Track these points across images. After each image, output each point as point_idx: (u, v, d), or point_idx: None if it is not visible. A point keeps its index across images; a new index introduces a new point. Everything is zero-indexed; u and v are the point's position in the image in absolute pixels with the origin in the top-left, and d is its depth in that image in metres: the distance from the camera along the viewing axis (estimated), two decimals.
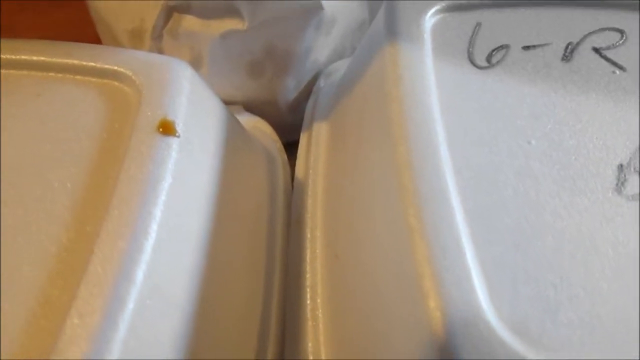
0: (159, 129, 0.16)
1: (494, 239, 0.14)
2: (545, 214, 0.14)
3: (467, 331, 0.11)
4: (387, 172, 0.16)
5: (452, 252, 0.13)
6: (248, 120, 0.23)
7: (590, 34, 0.19)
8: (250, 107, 0.24)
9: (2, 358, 0.12)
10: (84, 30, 0.40)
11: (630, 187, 0.15)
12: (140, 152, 0.15)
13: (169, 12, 0.22)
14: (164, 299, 0.14)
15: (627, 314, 0.13)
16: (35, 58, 0.18)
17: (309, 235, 0.20)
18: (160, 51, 0.23)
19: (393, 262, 0.14)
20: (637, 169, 0.15)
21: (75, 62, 0.18)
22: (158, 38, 0.23)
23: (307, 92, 0.25)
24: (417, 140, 0.15)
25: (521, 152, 0.16)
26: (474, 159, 0.15)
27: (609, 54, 0.18)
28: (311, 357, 0.16)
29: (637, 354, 0.12)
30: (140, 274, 0.13)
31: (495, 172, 0.15)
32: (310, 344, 0.17)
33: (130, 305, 0.13)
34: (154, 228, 0.14)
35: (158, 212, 0.14)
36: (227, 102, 0.22)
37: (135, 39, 0.23)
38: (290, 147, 0.25)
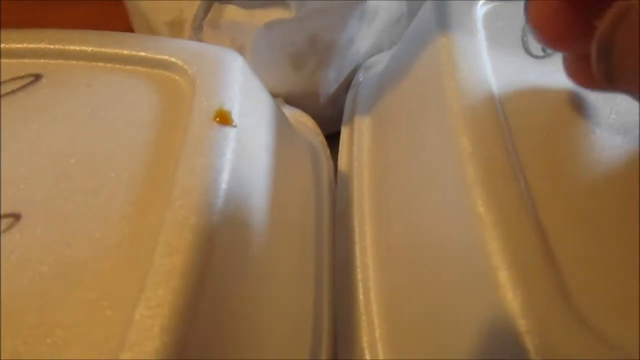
0: (215, 119, 0.15)
1: (565, 225, 0.13)
2: (615, 204, 0.14)
3: (553, 324, 0.11)
4: (448, 163, 0.15)
5: (527, 242, 0.13)
6: (291, 113, 0.23)
7: None
8: (291, 100, 0.24)
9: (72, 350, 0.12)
10: (103, 27, 0.40)
11: None
12: (199, 141, 0.15)
13: (209, 2, 0.22)
14: (226, 291, 0.14)
15: None
16: (83, 48, 0.18)
17: (357, 229, 0.19)
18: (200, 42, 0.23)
19: (459, 254, 0.14)
20: None
21: (125, 51, 0.17)
22: (198, 29, 0.23)
23: (347, 84, 0.25)
24: (480, 130, 0.15)
25: (585, 140, 0.15)
26: (537, 148, 0.15)
27: None
28: (367, 355, 0.16)
29: None
30: (201, 263, 0.13)
31: (560, 160, 0.15)
32: (365, 339, 0.16)
33: (196, 298, 0.12)
34: (215, 219, 0.14)
35: (219, 203, 0.14)
36: None
37: (175, 31, 0.23)
38: (329, 139, 0.24)
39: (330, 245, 0.20)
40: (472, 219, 0.13)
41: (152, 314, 0.12)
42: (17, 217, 0.14)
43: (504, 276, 0.12)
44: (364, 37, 0.24)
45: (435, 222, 0.16)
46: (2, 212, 0.14)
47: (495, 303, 0.12)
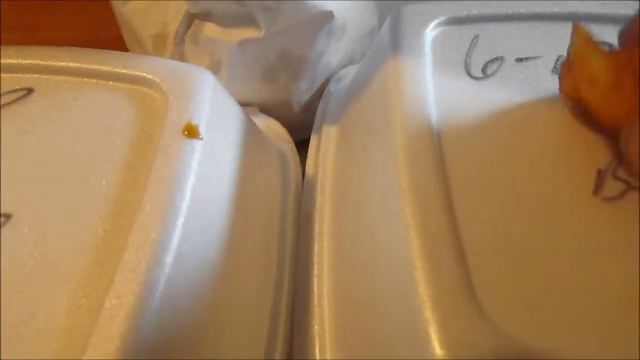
0: (184, 132, 0.18)
1: (484, 239, 0.15)
2: (530, 213, 0.16)
3: (457, 318, 0.13)
4: (388, 175, 0.17)
5: (446, 249, 0.15)
6: (263, 122, 0.25)
7: None
8: (265, 109, 0.26)
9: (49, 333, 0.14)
10: (106, 31, 0.41)
11: (608, 191, 0.16)
12: (168, 153, 0.17)
13: (190, 19, 0.24)
14: (188, 285, 0.16)
15: (606, 310, 0.14)
16: (71, 64, 0.20)
17: (317, 230, 0.21)
18: (182, 55, 0.25)
19: (389, 254, 0.16)
20: (614, 174, 0.17)
21: (108, 68, 0.20)
22: (180, 43, 0.25)
23: (319, 94, 0.27)
24: (416, 147, 0.17)
25: (510, 155, 0.17)
26: (468, 163, 0.17)
27: None
28: (317, 339, 0.18)
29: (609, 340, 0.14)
30: (169, 261, 0.15)
31: (486, 176, 0.17)
32: (316, 327, 0.19)
33: (160, 288, 0.15)
34: (181, 221, 0.16)
35: (184, 207, 0.16)
36: (244, 104, 0.24)
37: (159, 43, 0.25)
38: (302, 145, 0.26)
39: (294, 245, 0.22)
40: (401, 225, 0.15)
41: (119, 303, 0.14)
42: (8, 217, 0.16)
43: (418, 275, 0.14)
44: (334, 50, 0.26)
45: (374, 227, 0.18)
46: (3, 211, 0.16)
47: (412, 297, 0.14)
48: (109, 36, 0.42)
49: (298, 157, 0.25)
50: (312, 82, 0.26)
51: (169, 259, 0.15)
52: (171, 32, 0.25)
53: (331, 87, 0.27)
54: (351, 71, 0.27)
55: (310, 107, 0.27)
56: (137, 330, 0.14)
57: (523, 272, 0.15)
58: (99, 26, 0.42)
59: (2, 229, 0.16)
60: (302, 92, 0.26)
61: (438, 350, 0.13)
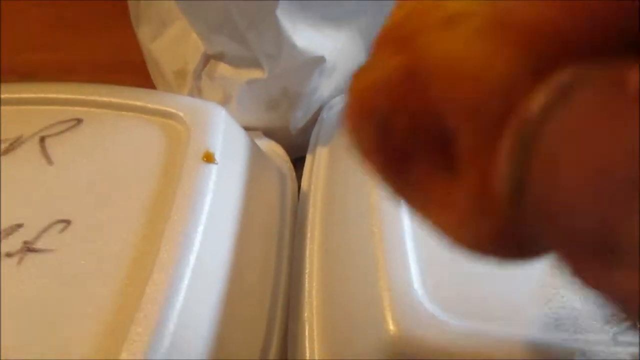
0: (203, 158, 0.22)
1: (429, 244, 0.20)
2: None
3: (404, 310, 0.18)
4: (362, 193, 0.22)
5: (399, 254, 0.19)
6: (265, 143, 0.30)
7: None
8: (267, 132, 0.31)
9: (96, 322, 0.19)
10: (125, 54, 0.46)
11: None
12: (190, 175, 0.22)
13: (207, 59, 0.29)
14: (205, 287, 0.20)
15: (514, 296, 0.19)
16: (113, 100, 0.25)
17: (309, 235, 0.26)
18: (199, 89, 0.30)
19: (361, 257, 0.21)
20: None
21: (142, 104, 0.24)
22: (198, 78, 0.29)
23: (313, 120, 0.32)
24: None
25: None
26: None
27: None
28: (307, 324, 0.23)
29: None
30: (192, 259, 0.20)
31: None
32: (306, 314, 0.23)
33: (185, 282, 0.19)
34: (201, 230, 0.20)
35: (204, 218, 0.21)
36: (250, 129, 0.29)
37: (180, 78, 0.30)
38: (298, 161, 0.31)
39: (290, 251, 0.27)
40: (370, 232, 0.20)
41: (153, 293, 0.19)
42: (68, 222, 0.21)
43: (380, 273, 0.19)
44: (326, 86, 0.30)
45: (352, 233, 0.22)
46: (59, 218, 0.21)
47: (375, 288, 0.19)
48: (127, 59, 0.47)
49: (295, 174, 0.30)
50: (306, 111, 0.31)
51: (193, 256, 0.20)
52: (190, 69, 0.29)
53: (324, 114, 0.32)
54: (340, 101, 0.32)
55: (306, 130, 0.32)
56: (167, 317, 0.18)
57: (459, 270, 0.19)
58: (119, 50, 0.47)
59: (64, 233, 0.21)
60: (299, 119, 0.31)
61: (391, 326, 0.18)
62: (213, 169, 0.22)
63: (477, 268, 0.19)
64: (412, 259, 0.19)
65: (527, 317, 0.18)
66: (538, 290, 0.19)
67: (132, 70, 0.46)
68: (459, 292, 0.19)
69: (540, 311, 0.18)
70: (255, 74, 0.27)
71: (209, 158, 0.22)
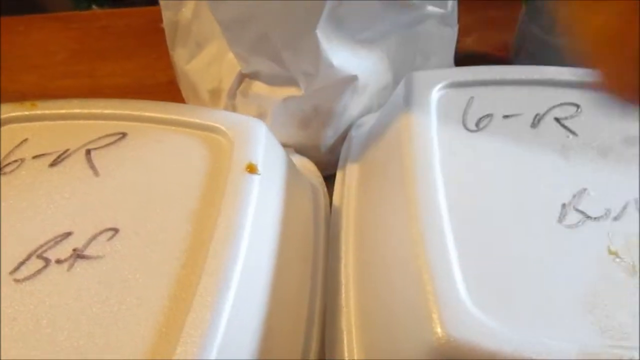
0: (246, 169, 0.23)
1: (474, 251, 0.20)
2: (510, 235, 0.21)
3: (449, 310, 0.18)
4: (400, 207, 0.23)
5: (444, 262, 0.20)
6: (298, 160, 0.31)
7: (554, 107, 0.26)
8: (299, 149, 0.32)
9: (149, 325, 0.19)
10: (152, 78, 0.48)
11: (568, 220, 0.22)
12: (235, 185, 0.22)
13: (242, 78, 0.30)
14: (252, 287, 0.21)
15: (558, 303, 0.19)
16: (157, 115, 0.26)
17: (343, 247, 0.27)
18: (233, 107, 0.31)
19: (401, 265, 0.21)
20: (575, 207, 0.22)
21: (186, 119, 0.25)
22: (232, 97, 0.30)
23: (343, 138, 0.32)
24: (422, 185, 0.22)
25: (496, 193, 0.23)
26: (463, 198, 0.22)
27: (567, 122, 0.25)
28: (345, 333, 0.23)
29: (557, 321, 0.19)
30: (240, 264, 0.20)
31: (477, 206, 0.22)
32: (344, 323, 0.24)
33: (234, 286, 0.20)
34: (246, 237, 0.21)
35: (249, 226, 0.21)
36: (283, 146, 0.29)
37: (215, 97, 0.31)
38: (327, 180, 0.32)
39: (325, 261, 0.27)
40: (410, 241, 0.21)
41: (206, 295, 0.19)
42: (116, 230, 0.22)
43: (425, 277, 0.19)
44: (356, 104, 0.31)
45: (389, 243, 0.23)
46: (107, 227, 0.22)
47: (419, 293, 0.19)
48: (154, 82, 0.48)
49: (326, 189, 0.30)
50: (337, 129, 0.32)
51: (240, 262, 0.20)
52: (225, 88, 0.31)
53: (353, 132, 0.33)
54: (369, 119, 0.33)
55: (335, 149, 0.33)
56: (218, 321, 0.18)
57: (504, 277, 0.20)
58: (146, 74, 0.49)
59: (113, 240, 0.21)
60: (329, 137, 0.32)
61: (438, 329, 0.18)
62: (256, 179, 0.23)
63: (520, 275, 0.20)
64: (456, 265, 0.20)
65: (572, 324, 0.19)
66: (582, 299, 0.19)
67: (157, 91, 0.47)
68: (503, 298, 0.19)
69: (585, 319, 0.19)
70: (291, 91, 0.28)
71: (252, 169, 0.23)
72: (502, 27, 0.47)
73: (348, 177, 0.30)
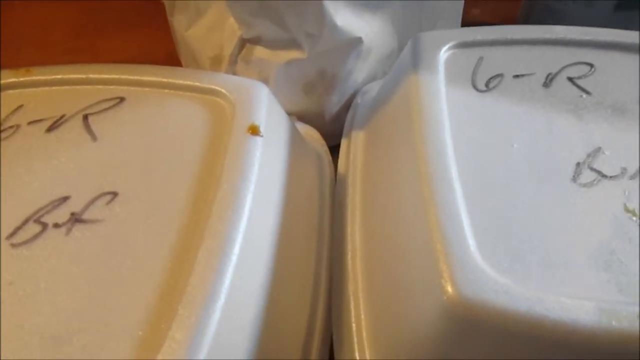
0: (248, 131, 0.22)
1: (485, 210, 0.20)
2: (521, 194, 0.20)
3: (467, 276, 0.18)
4: (409, 168, 0.22)
5: (455, 220, 0.19)
6: (302, 128, 0.30)
7: (566, 66, 0.25)
8: (302, 118, 0.31)
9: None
10: (148, 53, 0.47)
11: (583, 179, 0.21)
12: (237, 147, 0.22)
13: (243, 43, 0.29)
14: (255, 249, 0.20)
15: (574, 261, 0.18)
16: (155, 79, 0.25)
17: (349, 214, 0.26)
18: (234, 73, 0.30)
19: (410, 227, 0.21)
20: (590, 166, 0.21)
21: (185, 82, 0.24)
22: (233, 63, 0.30)
23: (347, 106, 0.32)
24: (431, 145, 0.22)
25: (507, 152, 0.22)
26: (473, 157, 0.22)
27: (580, 82, 0.25)
28: (352, 297, 0.23)
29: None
30: (243, 225, 0.19)
31: (487, 166, 0.21)
32: (350, 288, 0.23)
33: (237, 248, 0.19)
34: (250, 197, 0.20)
35: (252, 187, 0.21)
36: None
37: (215, 64, 0.30)
38: (331, 151, 0.31)
39: (330, 229, 0.27)
40: (421, 203, 0.20)
41: (209, 256, 0.18)
42: (115, 194, 0.21)
43: (435, 237, 0.19)
44: (361, 69, 0.30)
45: (400, 205, 0.22)
46: (106, 190, 0.21)
47: (429, 253, 0.19)
48: (155, 57, 0.47)
49: (331, 157, 0.29)
50: (341, 95, 0.31)
51: (245, 219, 0.19)
52: (226, 54, 0.30)
53: (357, 100, 0.32)
54: (373, 87, 0.32)
55: (339, 117, 0.32)
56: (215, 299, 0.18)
57: (517, 236, 0.19)
58: (146, 49, 0.48)
59: (112, 204, 0.21)
60: (333, 104, 0.31)
61: (450, 289, 0.18)
62: (259, 141, 0.22)
63: (533, 233, 0.19)
64: (467, 224, 0.19)
65: (588, 282, 0.18)
66: (597, 257, 0.19)
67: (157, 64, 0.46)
68: (517, 256, 0.18)
69: (601, 277, 0.18)
70: (294, 54, 0.28)
71: (254, 131, 0.22)
72: None
73: (353, 144, 0.29)
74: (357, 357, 0.21)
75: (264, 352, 0.20)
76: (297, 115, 0.31)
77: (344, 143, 0.30)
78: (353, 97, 0.32)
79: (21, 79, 0.25)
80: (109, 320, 0.17)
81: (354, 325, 0.22)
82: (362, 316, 0.22)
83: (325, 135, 0.31)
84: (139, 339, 0.17)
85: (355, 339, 0.22)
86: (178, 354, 0.16)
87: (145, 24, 0.49)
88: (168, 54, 0.42)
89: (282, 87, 0.29)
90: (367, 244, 0.24)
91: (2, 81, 0.25)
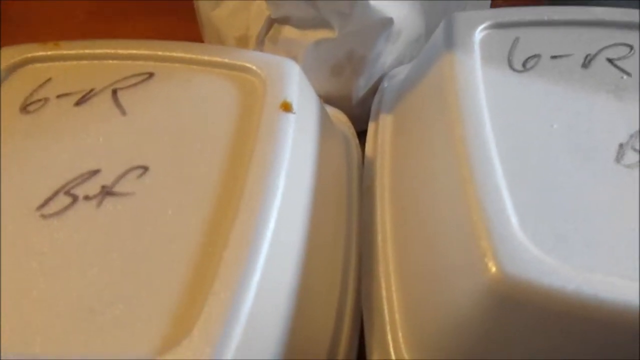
0: (281, 107, 0.22)
1: (526, 189, 0.19)
2: (563, 174, 0.20)
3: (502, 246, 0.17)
4: (446, 148, 0.21)
5: (496, 199, 0.19)
6: (329, 110, 0.29)
7: (605, 47, 0.24)
8: (329, 100, 0.30)
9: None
10: (175, 35, 0.46)
11: (626, 160, 0.20)
12: (270, 123, 0.21)
13: (270, 23, 0.29)
14: (287, 227, 0.20)
15: (620, 241, 0.18)
16: (185, 55, 0.24)
17: (378, 197, 0.25)
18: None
19: (448, 206, 0.20)
20: (633, 147, 0.21)
21: (216, 59, 0.24)
22: (260, 43, 0.29)
23: (374, 90, 0.31)
24: (469, 124, 0.21)
25: (546, 132, 0.21)
26: (512, 137, 0.21)
27: (619, 63, 0.24)
28: (383, 279, 0.22)
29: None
30: (277, 201, 0.19)
31: (527, 146, 0.21)
32: (381, 270, 0.23)
33: (273, 220, 0.18)
34: (283, 173, 0.20)
35: (285, 164, 0.20)
36: None
37: (242, 44, 0.30)
38: (357, 135, 0.30)
39: (359, 212, 0.26)
40: (460, 184, 0.19)
41: (243, 231, 0.18)
42: (146, 168, 0.21)
43: (477, 217, 0.18)
44: (389, 52, 0.30)
45: (434, 187, 0.22)
46: (136, 164, 0.21)
47: (469, 232, 0.18)
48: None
49: (358, 141, 0.29)
50: (369, 78, 0.31)
51: (278, 199, 0.19)
52: (253, 34, 0.29)
53: (385, 83, 0.31)
54: (401, 71, 0.31)
55: (366, 101, 0.32)
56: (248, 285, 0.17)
57: (560, 215, 0.19)
58: (166, 36, 0.47)
59: (143, 177, 0.20)
60: (360, 87, 0.31)
61: (493, 268, 0.17)
62: (292, 118, 0.22)
63: (577, 213, 0.19)
64: (509, 203, 0.18)
65: (633, 263, 0.17)
66: None
67: None
68: (560, 236, 0.18)
69: None
70: (324, 34, 0.27)
71: (286, 107, 0.22)
72: None
73: (381, 128, 0.28)
74: (390, 338, 0.21)
75: (296, 330, 0.19)
76: (324, 99, 0.30)
77: (371, 127, 0.29)
78: (380, 81, 0.31)
79: (49, 53, 0.25)
80: (142, 294, 0.17)
81: (385, 306, 0.22)
82: (394, 297, 0.22)
83: (352, 120, 0.31)
84: (173, 313, 0.17)
85: (387, 319, 0.21)
86: (214, 329, 0.16)
87: (165, 11, 0.49)
88: (191, 39, 0.42)
89: (310, 68, 0.28)
90: (398, 227, 0.23)
91: (31, 54, 0.25)
